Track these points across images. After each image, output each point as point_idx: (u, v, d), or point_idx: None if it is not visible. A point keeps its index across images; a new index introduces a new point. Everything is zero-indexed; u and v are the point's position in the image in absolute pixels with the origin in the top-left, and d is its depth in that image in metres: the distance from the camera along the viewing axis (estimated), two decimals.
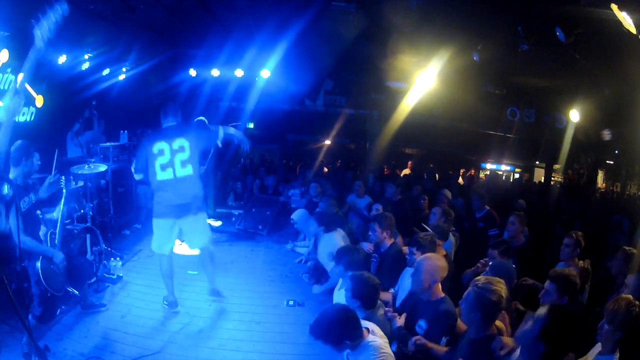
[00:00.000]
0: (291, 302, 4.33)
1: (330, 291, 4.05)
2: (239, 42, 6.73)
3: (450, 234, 4.31)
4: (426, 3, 4.38)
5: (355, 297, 2.85)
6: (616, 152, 11.51)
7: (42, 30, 2.16)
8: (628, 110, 6.18)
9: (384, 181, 8.08)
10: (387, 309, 3.07)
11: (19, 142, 3.11)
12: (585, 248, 4.01)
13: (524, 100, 8.38)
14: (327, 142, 13.36)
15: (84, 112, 6.39)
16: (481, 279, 2.39)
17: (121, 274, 4.68)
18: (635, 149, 8.93)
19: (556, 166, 11.13)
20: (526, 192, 9.57)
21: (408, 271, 3.38)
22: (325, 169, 11.08)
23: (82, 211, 4.74)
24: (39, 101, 5.41)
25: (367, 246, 4.26)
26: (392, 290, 3.67)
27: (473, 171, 12.58)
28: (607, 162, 12.86)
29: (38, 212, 3.35)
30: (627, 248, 3.42)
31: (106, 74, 6.60)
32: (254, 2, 5.32)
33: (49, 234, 3.39)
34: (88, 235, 4.54)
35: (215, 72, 7.65)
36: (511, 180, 14.04)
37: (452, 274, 3.41)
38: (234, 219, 7.33)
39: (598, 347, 2.38)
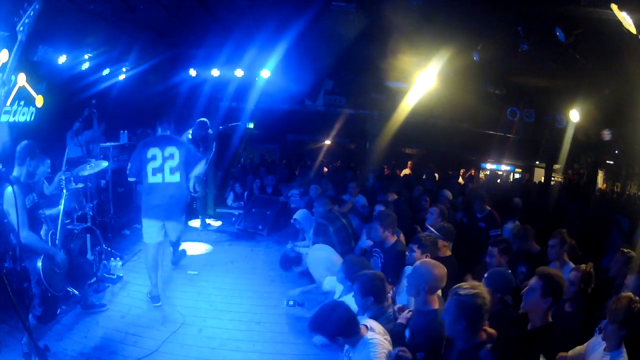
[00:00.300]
0: (291, 302, 4.32)
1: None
2: (239, 42, 6.72)
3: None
4: (426, 3, 4.37)
5: (367, 294, 2.83)
6: (616, 152, 11.51)
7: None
8: (628, 110, 6.18)
9: (383, 181, 8.09)
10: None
11: (24, 142, 3.20)
12: (586, 248, 4.01)
13: (524, 100, 8.37)
14: (327, 142, 13.37)
15: (84, 112, 6.39)
16: (461, 285, 2.24)
17: (121, 274, 4.69)
18: (635, 149, 8.93)
19: (556, 166, 11.12)
20: (526, 192, 9.57)
21: (407, 270, 3.37)
22: (325, 169, 11.08)
23: (82, 211, 4.74)
24: (39, 101, 5.40)
25: (367, 242, 4.28)
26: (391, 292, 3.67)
27: (473, 171, 12.59)
28: (607, 162, 12.87)
29: (40, 211, 3.37)
30: (625, 250, 3.40)
31: (106, 74, 6.58)
32: (254, 2, 5.31)
33: (49, 234, 3.40)
34: (88, 235, 4.54)
35: (215, 72, 7.64)
36: (511, 181, 14.04)
37: (455, 275, 3.42)
38: (234, 219, 7.34)
39: (597, 340, 2.38)
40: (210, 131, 5.96)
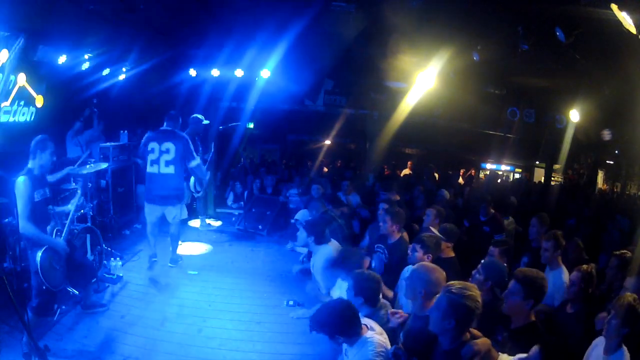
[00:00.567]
0: (291, 302, 4.33)
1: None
2: (239, 42, 6.71)
3: None
4: (426, 3, 4.38)
5: (358, 294, 2.84)
6: (616, 152, 11.52)
7: None
8: (628, 110, 6.18)
9: (385, 181, 8.09)
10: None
11: (38, 136, 3.37)
12: (585, 249, 4.00)
13: (524, 100, 8.37)
14: (327, 142, 13.36)
15: (84, 112, 6.39)
16: (455, 283, 2.17)
17: (121, 274, 4.68)
18: (635, 149, 8.94)
19: (556, 166, 11.12)
20: (526, 192, 9.57)
21: (407, 271, 3.37)
22: (325, 169, 11.08)
23: (82, 211, 4.73)
24: (39, 101, 5.41)
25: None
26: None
27: (473, 171, 12.59)
28: (607, 162, 12.87)
29: (50, 206, 3.48)
30: (618, 252, 3.37)
31: (106, 74, 6.58)
32: (254, 2, 5.32)
33: (55, 230, 3.43)
34: (88, 235, 4.53)
35: (215, 72, 7.63)
36: (511, 181, 14.04)
37: (458, 277, 3.40)
38: (234, 219, 7.33)
39: (597, 342, 2.36)
40: (206, 122, 6.12)
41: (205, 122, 6.09)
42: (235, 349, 3.56)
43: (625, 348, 2.21)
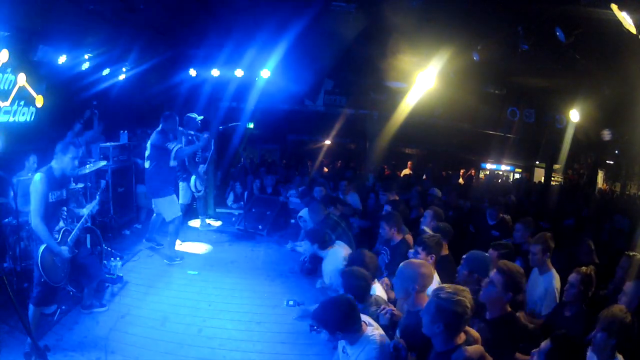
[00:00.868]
0: (291, 302, 4.31)
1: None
2: (239, 42, 6.71)
3: None
4: (426, 3, 4.38)
5: (347, 290, 2.86)
6: (616, 152, 11.53)
7: None
8: (628, 110, 6.19)
9: (385, 181, 8.09)
10: (388, 308, 3.05)
11: (65, 139, 3.51)
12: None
13: (524, 100, 8.38)
14: (327, 142, 13.36)
15: (85, 112, 6.39)
16: (445, 287, 2.18)
17: (121, 274, 4.68)
18: (635, 149, 8.95)
19: (556, 166, 11.14)
20: (527, 192, 9.57)
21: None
22: (326, 169, 11.09)
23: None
24: (39, 101, 5.41)
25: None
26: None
27: (473, 171, 12.59)
28: (607, 162, 12.87)
29: (64, 208, 3.49)
30: (631, 253, 3.30)
31: (106, 74, 6.59)
32: (254, 2, 5.32)
33: (62, 231, 3.43)
34: (88, 235, 4.53)
35: (215, 72, 7.63)
36: (511, 181, 14.04)
37: (452, 274, 3.40)
38: (234, 219, 7.33)
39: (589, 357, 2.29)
40: (200, 117, 6.24)
41: (199, 118, 6.12)
42: (235, 349, 3.56)
43: (620, 356, 2.18)
